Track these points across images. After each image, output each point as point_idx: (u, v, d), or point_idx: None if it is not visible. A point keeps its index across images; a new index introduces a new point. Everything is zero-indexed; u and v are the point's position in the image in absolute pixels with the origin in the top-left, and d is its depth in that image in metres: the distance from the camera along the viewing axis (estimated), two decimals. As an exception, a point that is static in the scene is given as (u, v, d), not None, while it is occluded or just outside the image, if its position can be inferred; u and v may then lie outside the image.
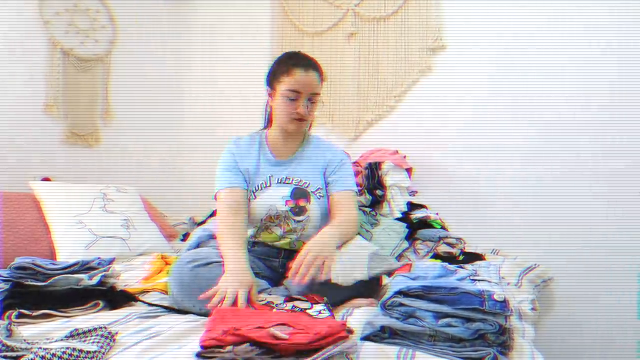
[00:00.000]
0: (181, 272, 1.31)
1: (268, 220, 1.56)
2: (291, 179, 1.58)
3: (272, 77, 1.56)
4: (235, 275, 1.26)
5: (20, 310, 1.14)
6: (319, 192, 1.59)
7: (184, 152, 3.17)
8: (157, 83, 3.03)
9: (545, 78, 2.27)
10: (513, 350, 0.97)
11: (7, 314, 1.13)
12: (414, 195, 2.44)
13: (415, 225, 2.21)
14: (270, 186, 1.57)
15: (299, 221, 1.55)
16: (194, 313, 1.26)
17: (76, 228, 2.04)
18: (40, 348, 0.89)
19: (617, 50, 2.14)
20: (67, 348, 0.89)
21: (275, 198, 1.55)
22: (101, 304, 1.27)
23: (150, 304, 1.31)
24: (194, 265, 1.31)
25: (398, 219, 2.25)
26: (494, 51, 2.37)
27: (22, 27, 2.38)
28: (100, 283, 1.28)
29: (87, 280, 1.25)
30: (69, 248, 1.96)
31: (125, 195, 2.36)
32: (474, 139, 2.40)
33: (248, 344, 0.85)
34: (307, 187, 1.58)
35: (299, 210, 1.55)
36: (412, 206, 2.36)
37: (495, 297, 0.97)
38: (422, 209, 2.35)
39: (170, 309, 1.29)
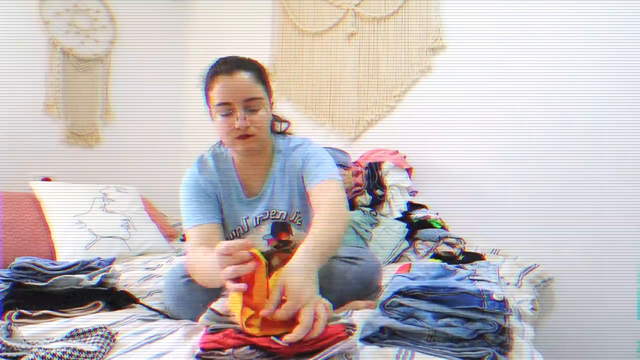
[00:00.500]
0: (175, 287, 1.24)
1: None
2: (267, 214, 1.37)
3: (205, 91, 1.31)
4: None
5: (21, 310, 1.14)
6: (298, 218, 1.39)
7: (184, 152, 3.17)
8: (157, 83, 3.03)
9: (545, 78, 2.27)
10: (512, 350, 0.97)
11: (7, 314, 1.13)
12: (414, 195, 2.45)
13: (416, 225, 2.21)
14: (247, 231, 1.38)
15: (284, 252, 1.44)
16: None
17: (76, 228, 2.04)
18: (41, 348, 0.90)
19: (617, 50, 2.14)
20: (67, 348, 0.89)
21: (255, 241, 1.38)
22: (101, 304, 1.26)
23: (150, 308, 1.31)
24: (188, 280, 1.23)
25: (398, 218, 2.25)
26: (494, 51, 2.37)
27: (22, 27, 2.38)
28: (101, 283, 1.28)
29: (87, 280, 1.25)
30: (69, 248, 1.96)
31: (125, 195, 2.36)
32: (474, 139, 2.40)
33: (248, 347, 0.85)
34: (285, 217, 1.38)
35: (283, 244, 1.41)
36: (412, 206, 2.36)
37: (495, 296, 0.97)
38: (422, 209, 2.35)
39: (168, 316, 1.28)
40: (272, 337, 0.87)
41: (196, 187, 1.36)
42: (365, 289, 1.36)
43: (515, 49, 2.32)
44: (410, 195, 2.42)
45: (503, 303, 0.96)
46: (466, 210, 2.39)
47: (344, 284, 1.31)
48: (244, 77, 1.24)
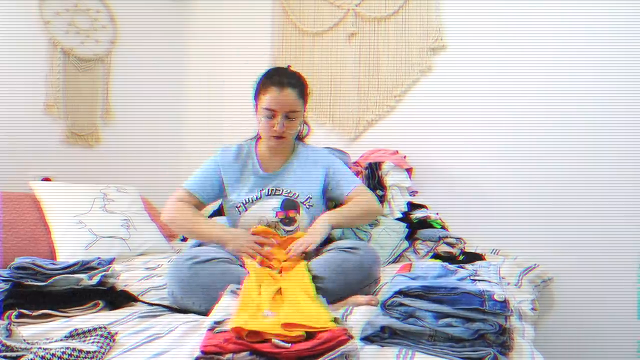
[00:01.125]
0: (180, 270, 1.30)
1: None
2: (281, 190, 1.62)
3: (256, 93, 1.62)
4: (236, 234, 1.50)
5: (20, 310, 1.14)
6: (309, 202, 1.62)
7: (184, 152, 3.17)
8: (157, 83, 3.03)
9: (545, 78, 2.27)
10: (513, 350, 0.97)
11: (7, 314, 1.13)
12: (414, 195, 2.44)
13: (416, 225, 2.21)
14: (260, 198, 1.61)
15: (288, 231, 1.59)
16: (193, 311, 1.26)
17: (76, 228, 2.04)
18: (40, 348, 0.89)
19: (618, 49, 2.14)
20: (67, 348, 0.89)
21: (265, 210, 1.59)
22: (101, 304, 1.26)
23: (150, 304, 1.31)
24: (193, 263, 1.30)
25: (398, 219, 2.25)
26: (494, 51, 2.36)
27: (22, 27, 2.38)
28: (100, 283, 1.28)
29: (87, 280, 1.25)
30: (69, 248, 1.96)
31: (125, 195, 2.36)
32: (474, 139, 2.40)
33: (248, 352, 0.85)
34: (296, 197, 1.61)
35: (289, 221, 1.59)
36: (412, 206, 2.36)
37: (496, 297, 0.97)
38: (423, 209, 2.35)
39: (170, 308, 1.29)
40: (274, 341, 0.87)
41: (210, 164, 1.67)
42: (365, 279, 1.39)
43: (515, 49, 2.32)
44: (411, 195, 2.42)
45: (504, 303, 0.96)
46: (466, 210, 2.38)
47: (344, 273, 1.35)
48: (290, 94, 1.55)
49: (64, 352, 0.87)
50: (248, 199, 1.61)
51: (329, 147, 2.11)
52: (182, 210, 1.59)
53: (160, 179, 2.89)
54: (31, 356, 0.86)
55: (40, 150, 2.43)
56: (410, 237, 2.16)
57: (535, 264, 2.12)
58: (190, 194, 1.62)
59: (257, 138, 1.72)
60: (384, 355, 0.95)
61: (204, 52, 3.18)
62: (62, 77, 2.52)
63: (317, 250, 1.49)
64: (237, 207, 1.62)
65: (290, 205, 1.60)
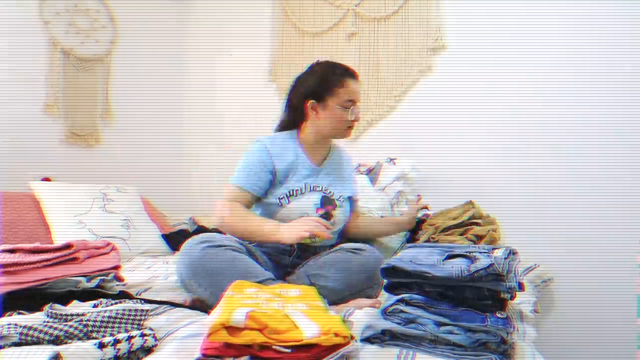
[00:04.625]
0: (191, 252, 1.33)
1: None
2: (321, 187, 1.63)
3: (321, 90, 1.60)
4: (290, 226, 1.41)
5: (20, 311, 1.14)
6: (341, 199, 1.67)
7: (184, 152, 3.17)
8: (157, 83, 3.03)
9: (545, 78, 2.26)
10: (514, 351, 0.97)
11: (6, 314, 1.13)
12: (417, 197, 2.44)
13: (415, 225, 2.21)
14: (304, 193, 1.60)
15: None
16: (197, 295, 1.30)
17: (76, 228, 2.04)
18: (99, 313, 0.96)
19: (619, 49, 2.13)
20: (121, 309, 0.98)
21: (307, 205, 1.59)
22: (104, 302, 1.26)
23: (149, 301, 1.30)
24: (205, 246, 1.32)
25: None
26: (494, 51, 2.36)
27: (22, 27, 2.38)
28: (99, 286, 1.28)
29: (85, 282, 1.26)
30: (68, 248, 1.96)
31: (125, 195, 2.36)
32: (474, 139, 2.40)
33: (248, 357, 0.85)
34: (332, 195, 1.65)
35: (327, 217, 1.60)
36: (413, 207, 2.36)
37: (497, 314, 0.96)
38: (423, 209, 2.35)
39: (171, 304, 1.28)
40: (275, 347, 0.86)
41: (260, 154, 1.58)
42: (369, 279, 1.41)
43: (515, 49, 2.32)
44: (415, 197, 2.42)
45: (506, 320, 0.95)
46: (466, 210, 2.38)
47: (348, 272, 1.38)
48: (360, 83, 1.65)
49: (117, 313, 0.97)
50: (292, 191, 1.58)
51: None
52: (236, 212, 1.49)
53: (160, 179, 2.89)
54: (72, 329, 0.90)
55: (40, 150, 2.43)
56: (412, 238, 2.16)
57: (535, 264, 2.12)
58: (242, 190, 1.54)
59: (298, 131, 1.69)
60: (385, 356, 0.94)
61: (204, 52, 3.18)
62: (62, 77, 2.52)
63: (324, 250, 1.53)
64: (280, 198, 1.57)
65: (328, 202, 1.62)
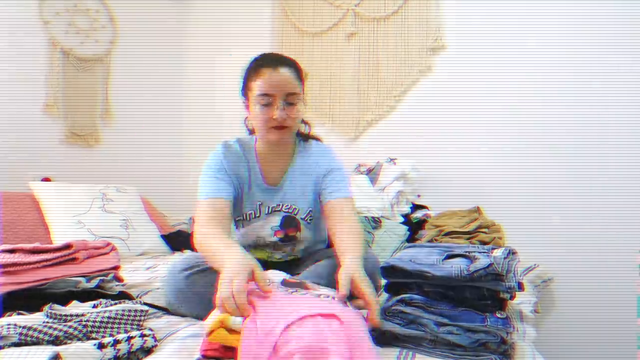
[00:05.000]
0: (176, 281, 1.26)
1: (254, 247, 1.49)
2: (281, 206, 1.42)
3: (244, 85, 1.41)
4: (235, 262, 1.02)
5: (19, 311, 1.14)
6: (309, 217, 1.44)
7: (184, 152, 3.17)
8: (157, 83, 3.03)
9: (545, 78, 2.26)
10: (514, 351, 0.97)
11: (6, 314, 1.13)
12: (418, 197, 2.44)
13: (415, 225, 2.21)
14: (259, 216, 1.42)
15: (286, 250, 1.49)
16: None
17: (75, 228, 2.04)
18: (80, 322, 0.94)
19: (619, 49, 2.13)
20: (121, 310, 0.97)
21: (264, 230, 1.43)
22: (104, 302, 1.26)
23: (149, 305, 1.31)
24: (189, 273, 1.26)
25: (402, 222, 2.25)
26: (494, 51, 2.36)
27: (22, 27, 2.38)
28: (99, 286, 1.28)
29: (84, 283, 1.25)
30: (68, 248, 1.96)
31: (125, 195, 2.36)
32: (474, 139, 2.40)
33: None
34: (296, 213, 1.43)
35: (288, 239, 1.44)
36: (415, 207, 2.36)
37: (497, 314, 0.96)
38: (423, 209, 2.35)
39: (169, 313, 1.28)
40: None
41: (217, 165, 1.39)
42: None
43: (515, 49, 2.32)
44: (416, 197, 2.42)
45: (506, 320, 0.95)
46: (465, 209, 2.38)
47: None
48: (286, 72, 1.32)
49: (116, 313, 0.97)
50: (245, 215, 1.42)
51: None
52: (199, 237, 1.25)
53: (159, 179, 2.89)
54: (71, 330, 0.89)
55: (40, 150, 2.43)
56: (412, 238, 2.16)
57: (535, 264, 2.12)
58: (213, 200, 1.32)
59: (255, 139, 1.47)
60: (385, 356, 0.94)
61: (204, 52, 3.18)
62: (61, 77, 2.52)
63: (318, 255, 1.45)
64: (237, 220, 1.45)
65: (290, 223, 1.43)
